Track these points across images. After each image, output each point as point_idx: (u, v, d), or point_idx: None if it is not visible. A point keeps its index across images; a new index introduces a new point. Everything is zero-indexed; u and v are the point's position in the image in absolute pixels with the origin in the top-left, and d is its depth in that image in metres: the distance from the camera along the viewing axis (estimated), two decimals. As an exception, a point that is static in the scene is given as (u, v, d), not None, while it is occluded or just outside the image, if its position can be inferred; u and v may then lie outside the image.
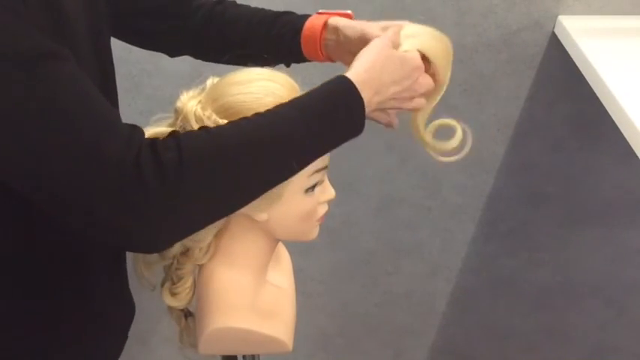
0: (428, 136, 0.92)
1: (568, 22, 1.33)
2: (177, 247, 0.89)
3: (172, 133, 0.70)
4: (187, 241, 0.88)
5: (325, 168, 0.86)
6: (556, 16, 1.35)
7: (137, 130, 0.68)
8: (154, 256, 0.91)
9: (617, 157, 1.51)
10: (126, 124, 0.68)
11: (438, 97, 0.90)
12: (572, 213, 1.60)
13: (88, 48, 0.80)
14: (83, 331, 0.90)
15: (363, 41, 0.87)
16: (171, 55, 1.08)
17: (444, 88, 0.90)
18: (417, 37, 0.87)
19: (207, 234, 0.88)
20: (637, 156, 0.98)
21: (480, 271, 1.70)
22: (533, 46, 1.39)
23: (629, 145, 1.01)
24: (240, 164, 0.71)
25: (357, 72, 0.79)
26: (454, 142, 0.92)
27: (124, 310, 1.01)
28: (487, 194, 1.58)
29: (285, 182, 0.82)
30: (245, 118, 0.74)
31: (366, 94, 0.78)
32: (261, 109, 0.77)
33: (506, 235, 1.63)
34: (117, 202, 0.64)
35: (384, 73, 0.81)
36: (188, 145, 0.67)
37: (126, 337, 1.01)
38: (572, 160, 1.52)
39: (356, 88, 0.77)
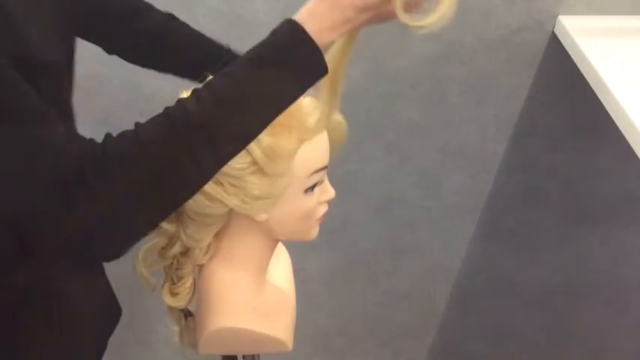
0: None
1: (568, 22, 1.33)
2: (177, 247, 0.89)
3: (106, 136, 0.68)
4: (187, 241, 0.88)
5: (325, 168, 0.86)
6: (556, 16, 1.35)
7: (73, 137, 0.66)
8: (154, 256, 0.91)
9: (617, 157, 1.51)
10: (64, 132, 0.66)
11: None
12: (572, 213, 1.59)
13: (53, 44, 0.76)
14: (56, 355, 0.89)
15: None
16: (112, 53, 1.04)
17: None
18: None
19: (207, 234, 0.88)
20: (637, 156, 0.98)
21: (480, 271, 1.70)
22: (533, 46, 1.39)
23: (629, 146, 1.01)
24: (169, 158, 0.67)
25: (304, 12, 0.72)
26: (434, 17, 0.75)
27: (102, 328, 1.00)
28: (487, 194, 1.57)
29: (285, 183, 0.82)
30: (184, 100, 0.70)
31: (321, 34, 0.71)
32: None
33: (506, 235, 1.63)
34: (49, 216, 0.64)
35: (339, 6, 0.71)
36: (112, 148, 0.66)
37: (105, 347, 1.00)
38: (572, 160, 1.52)
39: (305, 33, 0.70)
